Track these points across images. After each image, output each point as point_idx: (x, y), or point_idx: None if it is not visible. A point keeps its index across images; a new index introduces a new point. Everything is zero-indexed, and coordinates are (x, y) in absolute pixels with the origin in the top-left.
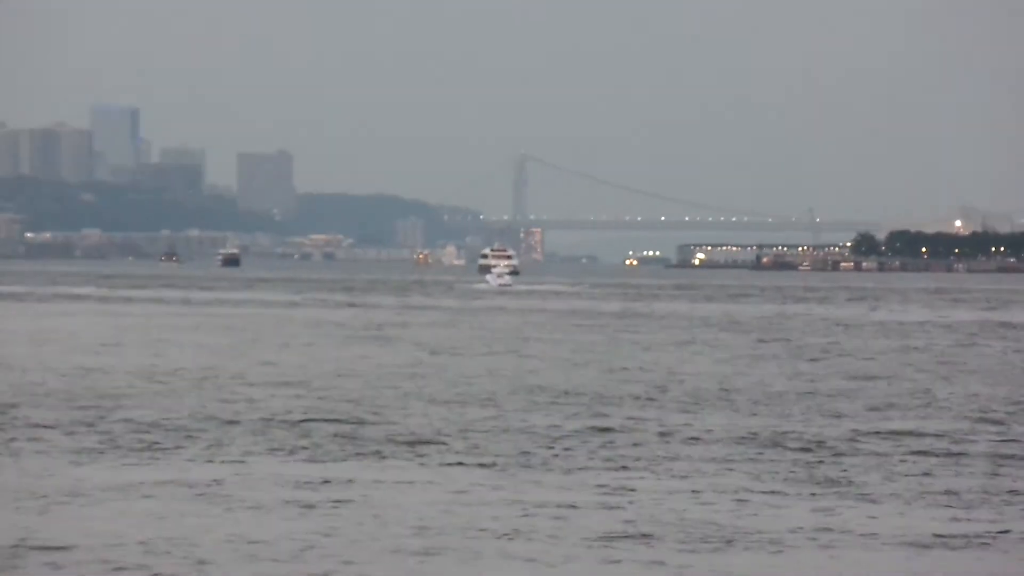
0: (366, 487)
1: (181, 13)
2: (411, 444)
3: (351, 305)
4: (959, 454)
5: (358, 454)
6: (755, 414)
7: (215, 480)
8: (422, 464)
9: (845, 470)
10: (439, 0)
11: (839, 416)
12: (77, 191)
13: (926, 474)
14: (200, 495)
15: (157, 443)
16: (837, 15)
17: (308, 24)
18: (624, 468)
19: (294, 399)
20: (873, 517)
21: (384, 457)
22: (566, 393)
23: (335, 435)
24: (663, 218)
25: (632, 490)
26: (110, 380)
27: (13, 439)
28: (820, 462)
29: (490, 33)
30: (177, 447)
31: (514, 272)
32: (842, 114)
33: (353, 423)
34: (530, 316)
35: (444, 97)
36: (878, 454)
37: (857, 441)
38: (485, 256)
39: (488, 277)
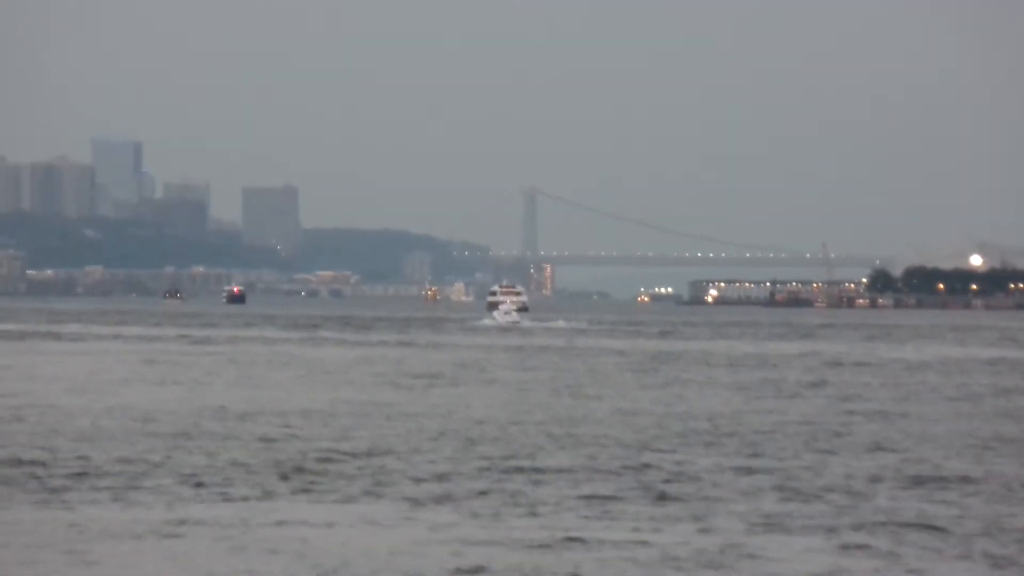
0: None
1: (184, 46)
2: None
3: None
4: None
5: None
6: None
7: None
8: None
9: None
10: (447, 33)
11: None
12: (79, 226)
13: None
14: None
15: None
16: (848, 50)
17: (315, 57)
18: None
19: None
20: None
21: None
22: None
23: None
24: (675, 254)
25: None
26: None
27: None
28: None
29: (500, 66)
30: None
31: (523, 309)
32: (857, 148)
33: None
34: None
35: (453, 129)
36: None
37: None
38: (494, 293)
39: (495, 314)
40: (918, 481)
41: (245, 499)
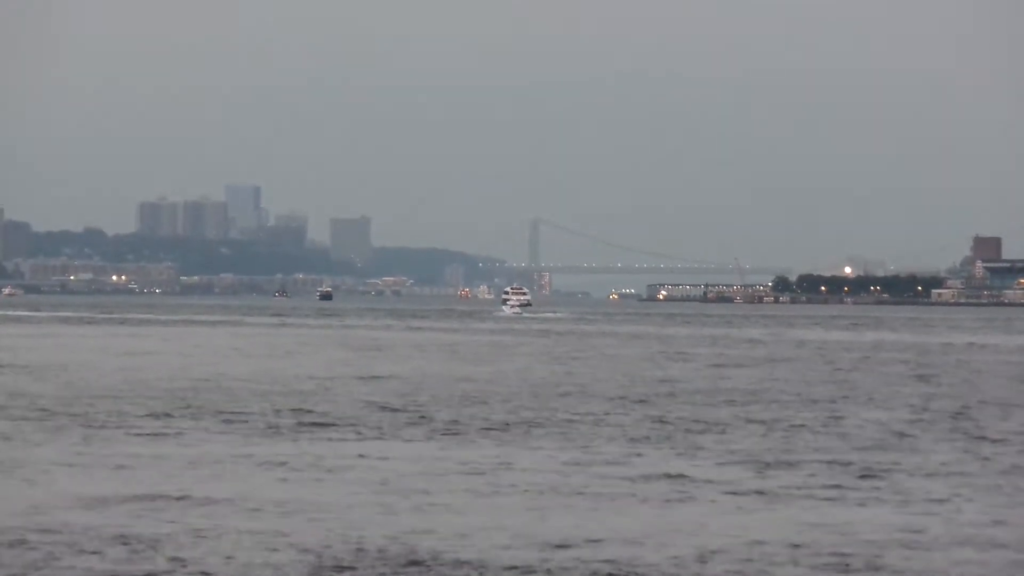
0: None
1: (292, 113)
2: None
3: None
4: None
5: None
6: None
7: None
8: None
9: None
10: (485, 81)
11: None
12: (217, 246)
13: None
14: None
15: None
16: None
17: (389, 111)
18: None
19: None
20: None
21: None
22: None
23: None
24: (636, 265)
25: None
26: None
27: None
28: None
29: (511, 112)
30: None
31: (527, 304)
32: (764, 183)
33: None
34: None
35: (477, 168)
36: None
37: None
38: (507, 293)
39: (504, 307)
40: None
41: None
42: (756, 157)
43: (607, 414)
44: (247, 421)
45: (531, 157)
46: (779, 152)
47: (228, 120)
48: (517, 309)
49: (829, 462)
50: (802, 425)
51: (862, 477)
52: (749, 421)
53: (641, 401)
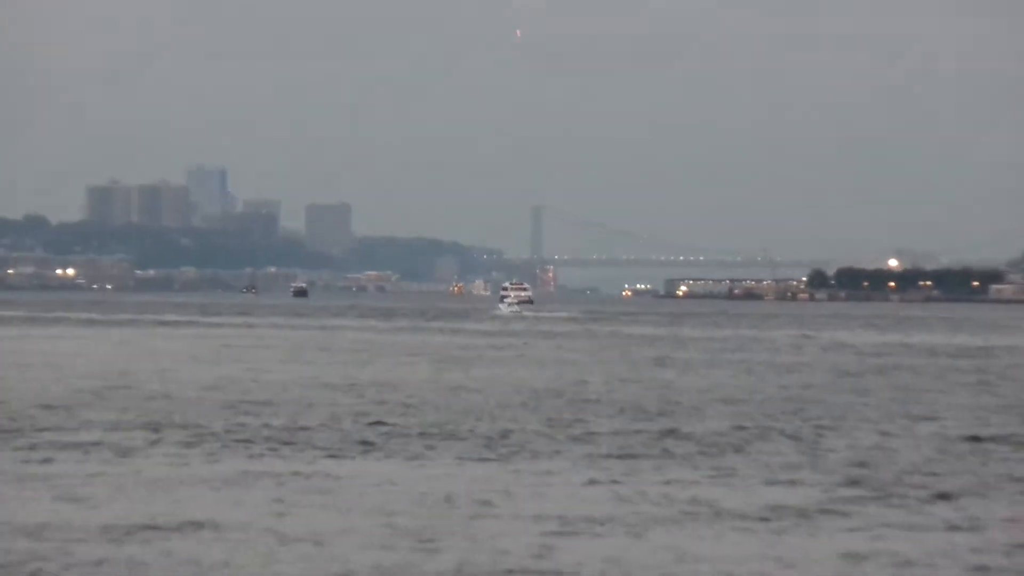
0: None
1: (260, 89)
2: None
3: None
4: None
5: None
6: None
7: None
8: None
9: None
10: (462, 70)
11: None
12: (176, 236)
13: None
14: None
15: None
16: (805, 70)
17: (380, 101)
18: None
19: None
20: None
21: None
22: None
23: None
24: (652, 257)
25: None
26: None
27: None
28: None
29: (517, 100)
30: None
31: (528, 302)
32: (796, 170)
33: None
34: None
35: (475, 153)
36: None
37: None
38: (505, 288)
39: (500, 305)
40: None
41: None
42: (785, 133)
43: (619, 430)
44: (210, 438)
45: (532, 135)
46: (812, 128)
47: (191, 94)
48: (516, 307)
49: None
50: (843, 439)
51: (932, 501)
52: (790, 436)
53: (661, 414)
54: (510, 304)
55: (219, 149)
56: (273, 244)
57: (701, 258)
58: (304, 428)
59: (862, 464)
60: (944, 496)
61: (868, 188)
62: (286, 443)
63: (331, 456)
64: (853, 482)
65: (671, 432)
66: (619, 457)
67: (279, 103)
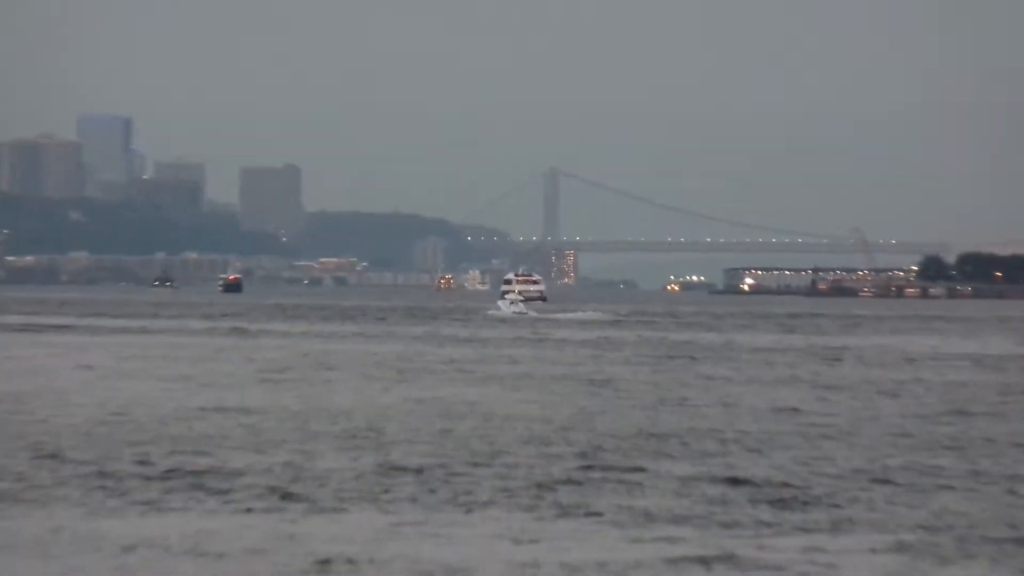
0: None
1: (179, 15)
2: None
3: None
4: None
5: None
6: None
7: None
8: None
9: None
10: (460, 5)
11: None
12: (64, 209)
13: None
14: None
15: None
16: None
17: (318, 26)
18: None
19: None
20: None
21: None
22: None
23: None
24: (708, 239)
25: None
26: None
27: None
28: None
29: (516, 34)
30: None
31: (540, 298)
32: (900, 126)
33: None
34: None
35: (467, 104)
36: None
37: None
38: (509, 281)
39: (500, 303)
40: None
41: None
42: (880, 86)
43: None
44: (113, 481)
45: (545, 80)
46: (917, 64)
47: (86, 22)
48: (521, 306)
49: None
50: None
51: None
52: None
53: (717, 454)
54: (513, 302)
55: (122, 94)
56: (196, 221)
57: (773, 240)
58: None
59: None
60: None
61: (999, 154)
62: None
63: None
64: None
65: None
66: None
67: (205, 35)
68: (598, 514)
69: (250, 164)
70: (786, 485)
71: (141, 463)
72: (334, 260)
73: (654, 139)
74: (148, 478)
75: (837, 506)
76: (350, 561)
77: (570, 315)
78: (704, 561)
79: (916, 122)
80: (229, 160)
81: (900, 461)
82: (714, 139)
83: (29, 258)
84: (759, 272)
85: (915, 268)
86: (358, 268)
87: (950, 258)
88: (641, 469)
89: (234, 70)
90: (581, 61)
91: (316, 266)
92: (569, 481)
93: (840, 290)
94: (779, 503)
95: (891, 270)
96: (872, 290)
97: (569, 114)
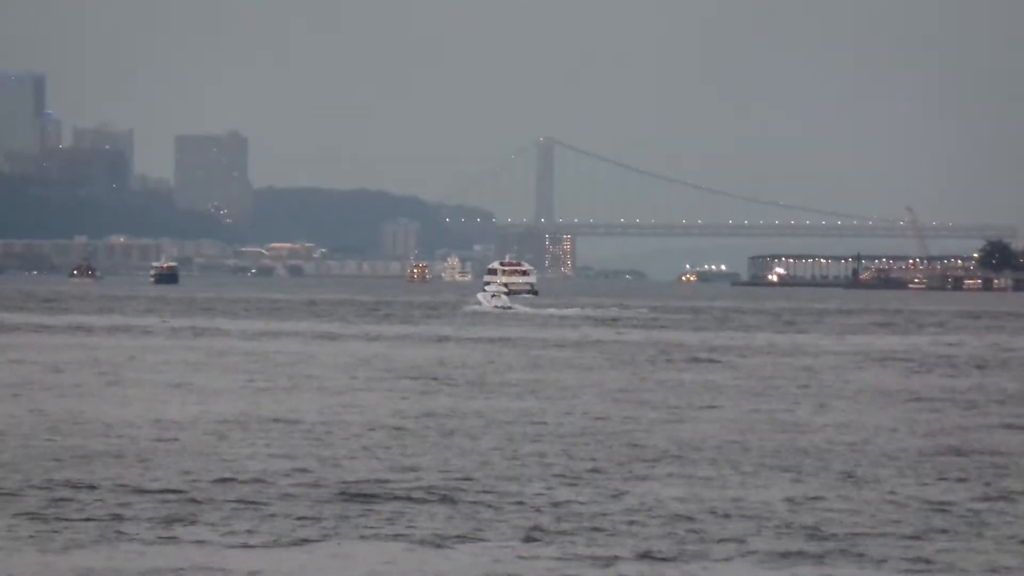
0: None
1: None
2: None
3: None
4: None
5: None
6: None
7: None
8: None
9: None
10: None
11: None
12: None
13: None
14: None
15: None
16: None
17: None
18: None
19: None
20: None
21: None
22: None
23: None
24: (730, 222)
25: None
26: None
27: None
28: None
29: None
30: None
31: (529, 291)
32: (953, 89)
33: None
34: None
35: (446, 67)
36: None
37: None
38: (493, 271)
39: (479, 296)
40: None
41: None
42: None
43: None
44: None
45: (534, 37)
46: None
47: None
48: (503, 299)
49: None
50: None
51: None
52: None
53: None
54: (495, 294)
55: (34, 48)
56: (122, 199)
57: (807, 222)
58: None
59: None
60: None
61: None
62: None
63: None
64: None
65: None
66: None
67: None
68: None
69: (186, 131)
70: None
71: None
72: (287, 246)
73: (664, 99)
74: None
75: None
76: None
77: (560, 311)
78: None
79: (983, 86)
80: (161, 127)
81: None
82: (731, 104)
83: None
84: (791, 260)
85: (976, 255)
86: (315, 255)
87: (1018, 244)
88: None
89: (165, 22)
90: (577, 6)
91: (265, 252)
92: None
93: (887, 281)
94: None
95: (948, 258)
96: (925, 281)
97: (563, 72)
